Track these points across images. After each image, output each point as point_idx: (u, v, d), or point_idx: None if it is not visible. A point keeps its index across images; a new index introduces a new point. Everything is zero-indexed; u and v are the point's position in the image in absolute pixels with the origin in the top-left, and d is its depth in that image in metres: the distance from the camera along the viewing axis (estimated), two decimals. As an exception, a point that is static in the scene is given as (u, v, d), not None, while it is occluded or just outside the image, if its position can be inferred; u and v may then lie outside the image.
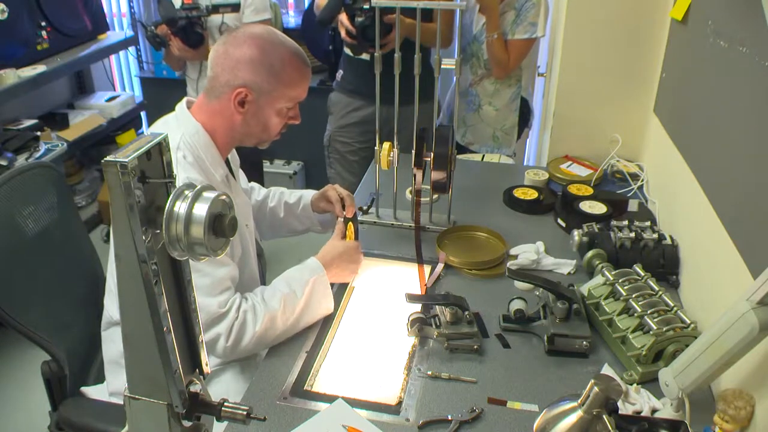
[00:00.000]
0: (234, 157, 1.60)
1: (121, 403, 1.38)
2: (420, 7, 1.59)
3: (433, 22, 2.22)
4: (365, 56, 2.30)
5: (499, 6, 2.24)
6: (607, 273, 1.45)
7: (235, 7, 2.35)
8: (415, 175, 1.65)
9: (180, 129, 1.33)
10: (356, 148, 2.51)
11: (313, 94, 2.72)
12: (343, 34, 2.17)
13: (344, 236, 1.58)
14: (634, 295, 1.36)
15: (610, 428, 0.86)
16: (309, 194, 1.80)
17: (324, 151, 2.59)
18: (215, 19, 2.37)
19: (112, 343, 1.45)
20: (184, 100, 1.41)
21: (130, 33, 3.59)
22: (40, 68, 2.66)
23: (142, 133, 3.57)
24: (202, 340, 0.89)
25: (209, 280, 1.28)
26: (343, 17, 2.13)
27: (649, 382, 1.25)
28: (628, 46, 2.04)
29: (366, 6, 2.07)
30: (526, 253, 1.65)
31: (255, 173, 2.78)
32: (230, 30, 1.35)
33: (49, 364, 1.43)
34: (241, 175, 1.70)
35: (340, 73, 2.52)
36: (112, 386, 1.45)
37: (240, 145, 1.46)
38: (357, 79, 2.43)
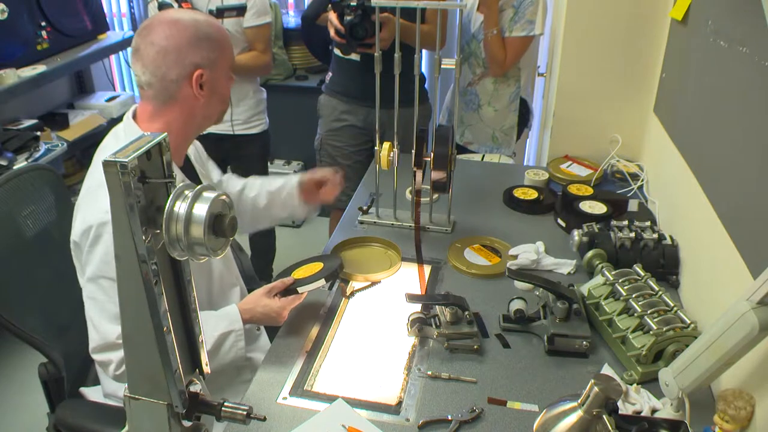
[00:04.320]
0: (201, 153, 1.58)
1: (116, 404, 1.39)
2: (420, 7, 1.58)
3: (425, 23, 2.22)
4: (354, 56, 2.28)
5: (498, 3, 2.25)
6: (607, 273, 1.45)
7: (241, 11, 2.33)
8: (415, 175, 1.65)
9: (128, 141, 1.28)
10: (348, 152, 2.49)
11: (313, 94, 2.73)
12: (332, 33, 2.15)
13: (273, 294, 1.40)
14: (634, 295, 1.36)
15: (610, 428, 0.86)
16: (293, 180, 1.75)
17: (316, 155, 2.57)
18: None
19: None
20: (132, 109, 1.36)
21: (130, 33, 3.59)
22: (40, 68, 2.65)
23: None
24: (202, 340, 0.89)
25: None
26: (331, 16, 2.12)
27: (649, 382, 1.25)
28: (628, 46, 2.04)
29: (353, 3, 2.05)
30: (526, 253, 1.65)
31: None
32: (141, 32, 1.29)
33: (46, 366, 1.42)
34: (212, 167, 1.66)
35: (329, 75, 2.49)
36: (106, 389, 1.45)
37: (197, 135, 1.42)
38: (346, 80, 2.41)
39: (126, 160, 0.69)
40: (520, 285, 1.55)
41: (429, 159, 1.62)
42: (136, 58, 1.28)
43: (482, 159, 2.42)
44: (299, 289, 1.40)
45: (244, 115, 2.52)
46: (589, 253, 1.58)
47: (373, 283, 1.59)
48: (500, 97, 2.43)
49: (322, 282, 1.41)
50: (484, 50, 2.33)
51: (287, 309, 1.38)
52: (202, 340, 0.88)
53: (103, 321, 1.24)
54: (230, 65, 1.38)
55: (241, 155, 2.62)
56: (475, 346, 1.34)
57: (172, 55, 1.26)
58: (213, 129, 2.45)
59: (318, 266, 1.49)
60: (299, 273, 1.48)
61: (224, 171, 2.73)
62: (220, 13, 2.28)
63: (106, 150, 1.34)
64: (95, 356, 1.28)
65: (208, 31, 1.30)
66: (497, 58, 2.30)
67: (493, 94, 2.43)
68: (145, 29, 1.28)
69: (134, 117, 1.34)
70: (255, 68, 2.48)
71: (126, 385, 0.83)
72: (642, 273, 1.44)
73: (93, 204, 1.24)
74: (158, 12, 1.37)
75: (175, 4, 2.27)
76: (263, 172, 2.76)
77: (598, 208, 1.83)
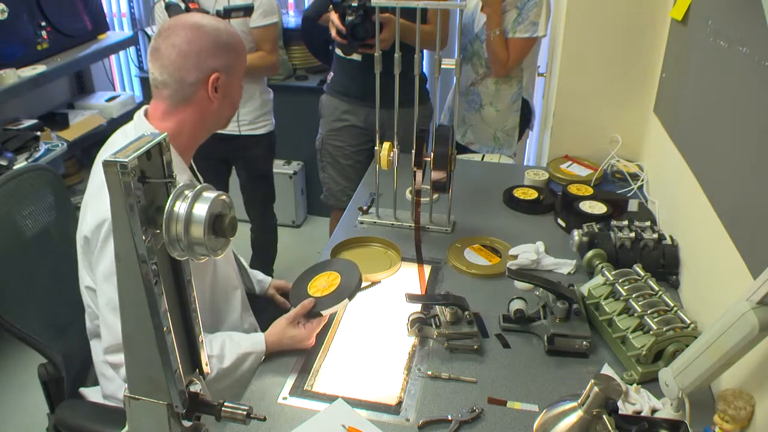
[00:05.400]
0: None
1: (115, 405, 1.39)
2: (420, 7, 1.58)
3: (427, 23, 2.22)
4: (356, 57, 2.28)
5: (501, 4, 2.24)
6: (607, 273, 1.45)
7: (248, 11, 2.32)
8: (415, 175, 1.65)
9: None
10: (349, 152, 2.49)
11: (314, 94, 2.73)
12: (333, 33, 2.15)
13: (297, 321, 1.38)
14: (634, 295, 1.36)
15: (610, 428, 0.86)
16: (266, 282, 1.79)
17: (317, 155, 2.58)
18: None
19: (97, 355, 1.44)
20: (143, 108, 1.37)
21: (130, 33, 3.59)
22: (40, 68, 2.65)
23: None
24: (201, 341, 0.89)
25: None
26: (333, 16, 2.12)
27: (649, 382, 1.25)
28: (628, 46, 2.04)
29: (355, 4, 2.05)
30: (526, 253, 1.65)
31: (262, 182, 2.77)
32: (162, 33, 1.31)
33: (45, 366, 1.42)
34: None
35: (330, 75, 2.49)
36: (105, 390, 1.45)
37: (205, 138, 1.42)
38: (347, 80, 2.40)
39: (126, 160, 0.69)
40: (520, 285, 1.55)
41: (429, 159, 1.62)
42: (155, 59, 1.30)
43: (482, 159, 2.42)
44: (322, 312, 1.38)
45: (251, 116, 2.52)
46: (589, 253, 1.58)
47: (373, 283, 1.59)
48: (502, 98, 2.43)
49: (345, 302, 1.39)
50: (487, 51, 2.33)
51: (313, 335, 1.37)
52: (202, 340, 0.88)
53: (117, 321, 1.22)
54: (243, 71, 1.40)
55: (247, 156, 2.62)
56: (475, 346, 1.34)
57: (193, 59, 1.29)
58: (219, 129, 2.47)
59: (334, 278, 1.45)
60: (315, 286, 1.44)
61: (229, 171, 2.75)
62: (227, 13, 2.28)
63: (112, 147, 1.35)
64: (108, 357, 1.27)
65: (228, 38, 1.34)
66: (500, 58, 2.30)
67: (495, 95, 2.43)
68: (166, 30, 1.30)
69: (146, 115, 1.35)
70: (262, 69, 2.48)
71: (126, 385, 0.83)
72: (642, 273, 1.44)
73: (103, 197, 1.23)
74: (181, 15, 1.39)
75: (182, 5, 2.27)
76: (268, 172, 2.76)
77: (598, 208, 1.83)
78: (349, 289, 1.40)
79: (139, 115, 1.36)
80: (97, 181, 1.31)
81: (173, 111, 1.32)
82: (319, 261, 1.61)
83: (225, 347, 1.33)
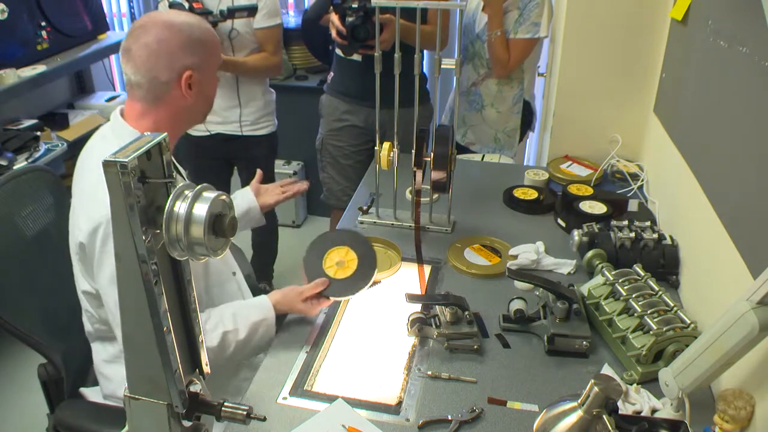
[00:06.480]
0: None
1: (115, 405, 1.39)
2: (420, 8, 1.58)
3: (427, 24, 2.22)
4: (356, 57, 2.28)
5: (503, 4, 2.24)
6: (607, 273, 1.45)
7: (252, 12, 2.31)
8: (415, 175, 1.65)
9: (118, 140, 1.28)
10: (349, 152, 2.49)
11: (314, 94, 2.73)
12: (333, 34, 2.15)
13: (306, 296, 1.44)
14: (634, 295, 1.37)
15: (610, 428, 0.86)
16: (246, 196, 1.77)
17: (317, 154, 2.58)
18: (225, 25, 2.31)
19: (97, 356, 1.44)
20: (119, 108, 1.36)
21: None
22: (40, 68, 2.65)
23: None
24: (202, 340, 0.89)
25: None
26: (333, 17, 2.12)
27: (649, 382, 1.25)
28: (628, 47, 2.04)
29: (355, 5, 2.05)
30: (526, 253, 1.65)
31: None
32: (133, 33, 1.30)
33: (45, 366, 1.42)
34: None
35: (330, 75, 2.49)
36: (105, 390, 1.45)
37: (182, 133, 1.43)
38: (347, 80, 2.40)
39: (126, 160, 0.69)
40: (520, 285, 1.55)
41: (429, 159, 1.62)
42: (127, 59, 1.29)
43: (482, 159, 2.42)
44: (331, 298, 1.45)
45: (253, 116, 2.52)
46: (589, 253, 1.58)
47: (374, 283, 1.59)
48: (503, 99, 2.43)
49: (355, 293, 1.47)
50: (488, 51, 2.33)
51: (317, 309, 1.46)
52: (202, 340, 0.88)
53: None
54: (217, 66, 1.40)
55: (249, 156, 2.62)
56: (475, 346, 1.34)
57: (165, 59, 1.27)
58: (221, 129, 2.49)
59: (351, 259, 1.50)
60: (331, 259, 1.50)
61: (231, 171, 2.75)
62: (230, 13, 2.27)
63: (93, 150, 1.34)
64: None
65: (201, 35, 1.32)
66: (500, 59, 2.30)
67: (497, 96, 2.43)
68: (137, 30, 1.29)
69: (122, 115, 1.34)
70: (264, 70, 2.47)
71: (126, 385, 0.83)
72: (642, 273, 1.44)
73: (95, 202, 1.23)
74: (152, 13, 1.38)
75: (186, 4, 2.26)
76: (269, 173, 2.75)
77: (598, 208, 1.83)
78: (362, 284, 1.47)
79: (115, 115, 1.35)
80: (85, 184, 1.30)
81: (148, 110, 1.32)
82: (341, 227, 1.61)
83: (237, 320, 1.37)
